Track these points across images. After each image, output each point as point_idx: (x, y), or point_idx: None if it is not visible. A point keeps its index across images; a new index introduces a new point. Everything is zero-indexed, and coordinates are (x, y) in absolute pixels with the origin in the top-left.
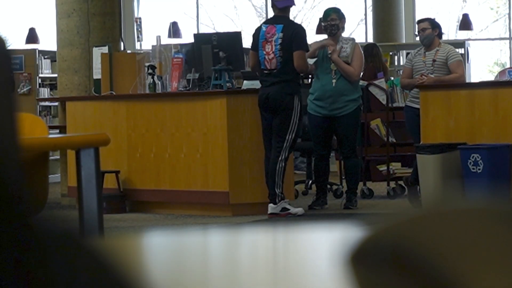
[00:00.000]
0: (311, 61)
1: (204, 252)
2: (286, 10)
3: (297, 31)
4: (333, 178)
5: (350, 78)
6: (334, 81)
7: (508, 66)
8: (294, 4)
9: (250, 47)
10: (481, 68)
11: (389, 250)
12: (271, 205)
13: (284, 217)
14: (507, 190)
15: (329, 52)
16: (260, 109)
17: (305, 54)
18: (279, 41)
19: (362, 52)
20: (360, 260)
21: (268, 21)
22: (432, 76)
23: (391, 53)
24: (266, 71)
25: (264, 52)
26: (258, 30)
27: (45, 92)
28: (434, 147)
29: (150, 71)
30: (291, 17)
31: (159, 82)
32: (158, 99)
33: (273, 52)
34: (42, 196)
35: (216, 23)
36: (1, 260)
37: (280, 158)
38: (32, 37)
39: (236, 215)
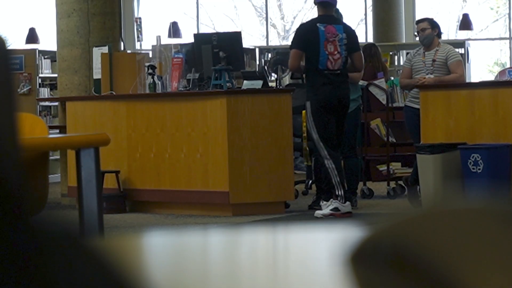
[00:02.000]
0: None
1: (204, 252)
2: (332, 9)
3: (355, 32)
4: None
5: (354, 82)
6: None
7: (508, 66)
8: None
9: (293, 45)
10: (481, 68)
11: (389, 250)
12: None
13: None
14: (507, 190)
15: None
16: (327, 110)
17: (362, 55)
18: (344, 41)
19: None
20: (360, 260)
21: (322, 21)
22: (431, 76)
23: (391, 53)
24: (327, 71)
25: (327, 52)
26: (314, 29)
27: (45, 92)
28: (434, 147)
29: (150, 71)
30: (291, 17)
31: (159, 82)
32: (158, 99)
33: (338, 52)
34: (42, 196)
35: (216, 23)
36: (1, 260)
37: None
38: (32, 37)
39: (236, 215)
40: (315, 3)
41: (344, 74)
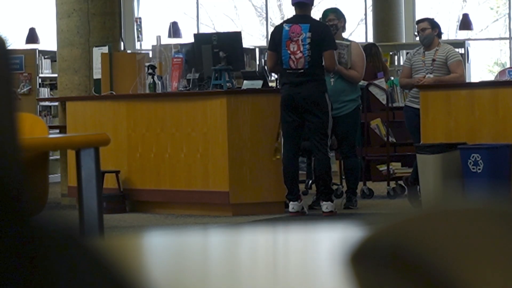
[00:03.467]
0: None
1: (204, 252)
2: (307, 9)
3: (327, 31)
4: (333, 178)
5: (354, 81)
6: (332, 80)
7: (508, 66)
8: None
9: (267, 47)
10: (481, 68)
11: (389, 250)
12: (328, 203)
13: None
14: (507, 190)
15: None
16: (285, 110)
17: (334, 53)
18: (308, 40)
19: (361, 49)
20: (360, 260)
21: (289, 21)
22: (431, 75)
23: (391, 53)
24: (290, 71)
25: (289, 52)
26: (280, 29)
27: (45, 92)
28: (434, 147)
29: (150, 71)
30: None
31: (159, 82)
32: (158, 99)
33: (301, 52)
34: (42, 196)
35: (216, 23)
36: (1, 260)
37: (329, 155)
38: (32, 37)
39: (236, 215)
40: (292, 4)
41: (308, 73)
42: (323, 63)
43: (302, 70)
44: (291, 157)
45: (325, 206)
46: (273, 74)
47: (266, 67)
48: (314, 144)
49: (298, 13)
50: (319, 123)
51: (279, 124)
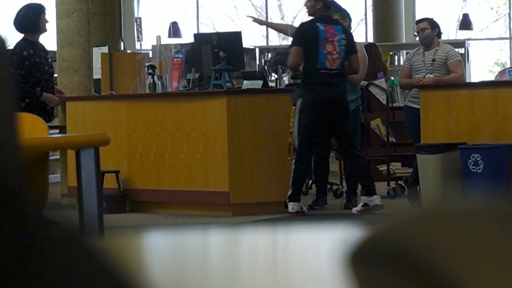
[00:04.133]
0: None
1: (204, 252)
2: (330, 11)
3: (352, 35)
4: (333, 178)
5: (355, 83)
6: None
7: (508, 66)
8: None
9: (294, 43)
10: (481, 68)
11: (389, 250)
12: (374, 197)
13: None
14: (507, 190)
15: None
16: (313, 110)
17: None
18: (343, 42)
19: (364, 51)
20: (360, 260)
21: (321, 21)
22: (431, 75)
23: (391, 53)
24: (325, 71)
25: (326, 52)
26: (314, 28)
27: None
28: (434, 147)
29: (150, 71)
30: (291, 17)
31: (159, 82)
32: (158, 99)
33: (337, 52)
34: (42, 196)
35: (216, 23)
36: (1, 260)
37: (360, 151)
38: None
39: (236, 215)
40: (326, 4)
41: (341, 74)
42: (350, 66)
43: (336, 71)
44: (307, 161)
45: (372, 200)
46: (273, 74)
47: (284, 65)
48: (346, 144)
49: (326, 14)
50: (347, 124)
51: (292, 124)
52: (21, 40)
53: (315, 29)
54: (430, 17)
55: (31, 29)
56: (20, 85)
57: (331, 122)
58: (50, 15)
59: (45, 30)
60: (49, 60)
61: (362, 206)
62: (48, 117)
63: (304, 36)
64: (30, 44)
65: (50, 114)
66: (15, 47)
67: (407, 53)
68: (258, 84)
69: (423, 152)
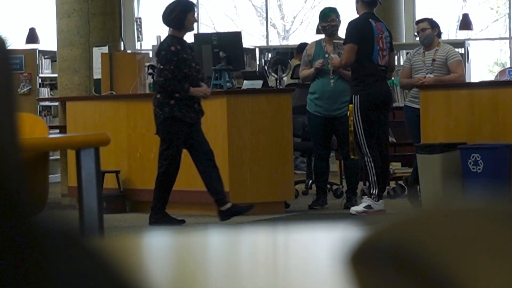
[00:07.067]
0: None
1: (204, 252)
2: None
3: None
4: (333, 178)
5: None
6: (332, 81)
7: (508, 66)
8: None
9: (349, 40)
10: (481, 68)
11: (389, 250)
12: (369, 199)
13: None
14: (507, 190)
15: (327, 55)
16: (374, 106)
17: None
18: (388, 39)
19: None
20: (360, 260)
21: (370, 18)
22: (431, 75)
23: None
24: (379, 67)
25: (378, 48)
26: (369, 24)
27: (45, 92)
28: (434, 147)
29: (150, 71)
30: (291, 17)
31: None
32: None
33: (385, 49)
34: (42, 196)
35: (216, 23)
36: (1, 260)
37: None
38: (32, 37)
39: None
40: (368, 2)
41: (387, 70)
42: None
43: (384, 67)
44: (377, 154)
45: (378, 204)
46: (272, 74)
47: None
48: (385, 140)
49: (370, 11)
50: (388, 121)
51: (352, 122)
52: (168, 36)
53: (369, 25)
54: (430, 17)
55: (176, 25)
56: (170, 80)
57: (383, 118)
58: (50, 15)
59: (191, 29)
60: (195, 58)
61: (364, 207)
62: (196, 115)
63: (360, 33)
64: (176, 40)
65: (198, 112)
66: (162, 42)
67: (407, 53)
68: (258, 84)
69: (423, 152)
